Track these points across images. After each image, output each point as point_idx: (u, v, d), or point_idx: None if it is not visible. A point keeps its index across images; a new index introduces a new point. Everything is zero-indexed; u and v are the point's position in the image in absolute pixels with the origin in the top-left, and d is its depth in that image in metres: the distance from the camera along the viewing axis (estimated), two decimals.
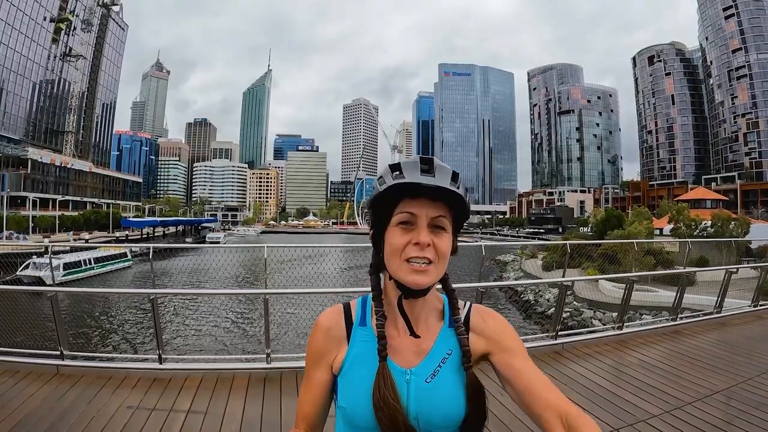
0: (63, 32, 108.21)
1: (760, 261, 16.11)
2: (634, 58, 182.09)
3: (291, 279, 9.47)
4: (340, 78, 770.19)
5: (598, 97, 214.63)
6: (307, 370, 1.45)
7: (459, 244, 1.43)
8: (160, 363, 5.93)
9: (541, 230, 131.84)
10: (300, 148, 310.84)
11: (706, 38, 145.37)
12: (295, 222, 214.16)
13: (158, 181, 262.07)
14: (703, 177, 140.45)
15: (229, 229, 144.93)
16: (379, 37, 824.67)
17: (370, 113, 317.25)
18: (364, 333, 1.41)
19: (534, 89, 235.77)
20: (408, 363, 1.37)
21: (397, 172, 1.27)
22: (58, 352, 5.93)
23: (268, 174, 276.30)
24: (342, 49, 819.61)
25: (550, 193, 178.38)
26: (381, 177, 1.32)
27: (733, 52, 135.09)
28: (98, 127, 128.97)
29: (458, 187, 1.27)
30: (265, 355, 6.17)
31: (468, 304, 1.49)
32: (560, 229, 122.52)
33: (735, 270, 10.38)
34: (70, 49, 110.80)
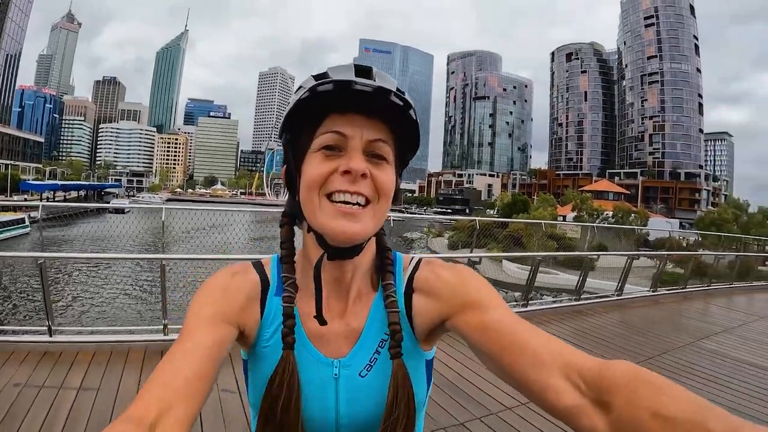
0: None
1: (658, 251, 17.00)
2: (553, 53, 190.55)
3: (196, 248, 9.08)
4: (259, 45, 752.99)
5: (514, 87, 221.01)
6: (188, 330, 0.90)
7: None
8: (50, 336, 5.51)
9: (449, 210, 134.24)
10: (212, 114, 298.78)
11: (624, 42, 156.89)
12: (203, 190, 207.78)
13: (61, 142, 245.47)
14: (607, 171, 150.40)
15: (134, 196, 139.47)
16: (304, 7, 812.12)
17: (286, 83, 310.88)
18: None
19: (452, 73, 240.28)
20: (336, 351, 0.99)
21: (323, 79, 0.90)
22: None
23: (176, 139, 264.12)
24: (265, 14, 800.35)
25: (460, 175, 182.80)
26: (300, 86, 0.94)
27: (649, 58, 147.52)
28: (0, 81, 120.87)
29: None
30: (162, 327, 5.88)
31: (416, 258, 1.07)
32: (467, 211, 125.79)
33: (637, 257, 10.97)
34: None
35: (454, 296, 0.95)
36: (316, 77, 0.90)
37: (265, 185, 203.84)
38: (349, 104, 0.90)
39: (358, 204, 0.89)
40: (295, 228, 1.06)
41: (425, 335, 1.01)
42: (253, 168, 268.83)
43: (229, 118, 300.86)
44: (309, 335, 0.98)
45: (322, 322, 0.95)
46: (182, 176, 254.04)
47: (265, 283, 1.02)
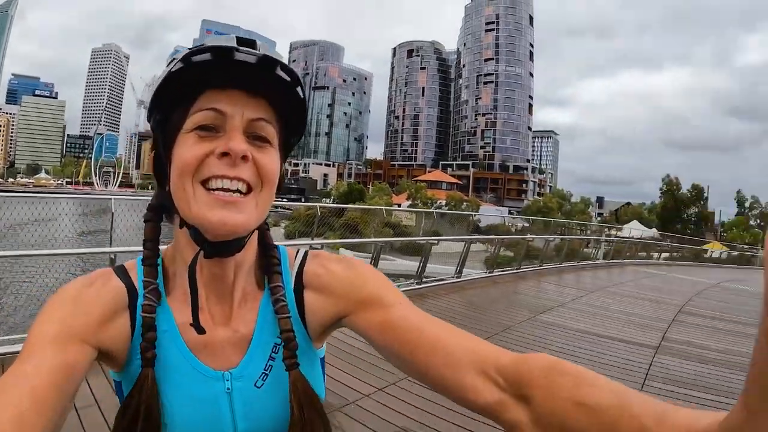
0: None
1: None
2: (394, 49, 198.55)
3: (18, 245, 8.12)
4: (96, 17, 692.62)
5: (354, 79, 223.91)
6: (29, 351, 0.70)
7: None
8: None
9: (284, 200, 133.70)
10: (37, 93, 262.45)
11: (464, 44, 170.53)
12: (26, 180, 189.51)
13: None
14: (441, 162, 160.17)
15: None
16: None
17: (120, 62, 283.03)
18: (160, 316, 0.83)
19: (294, 61, 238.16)
20: (225, 362, 0.85)
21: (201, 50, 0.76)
22: None
23: None
24: None
25: (296, 165, 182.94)
26: (173, 58, 0.79)
27: (486, 60, 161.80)
28: None
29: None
30: None
31: (302, 252, 0.96)
32: (303, 200, 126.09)
33: (475, 241, 11.50)
34: None
35: (350, 292, 0.88)
36: (193, 49, 0.77)
37: (93, 174, 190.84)
38: (228, 78, 0.77)
39: (238, 191, 0.77)
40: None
41: (319, 333, 0.93)
42: (81, 154, 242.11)
43: (56, 98, 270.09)
44: (191, 347, 0.84)
45: (200, 330, 0.81)
46: (2, 163, 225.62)
47: (132, 292, 0.84)
